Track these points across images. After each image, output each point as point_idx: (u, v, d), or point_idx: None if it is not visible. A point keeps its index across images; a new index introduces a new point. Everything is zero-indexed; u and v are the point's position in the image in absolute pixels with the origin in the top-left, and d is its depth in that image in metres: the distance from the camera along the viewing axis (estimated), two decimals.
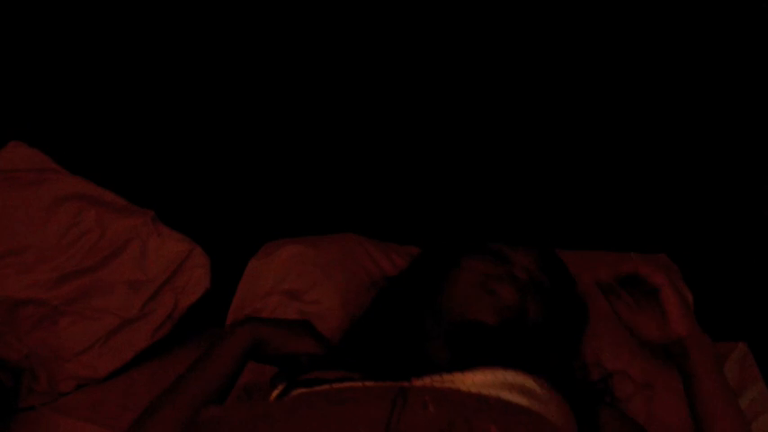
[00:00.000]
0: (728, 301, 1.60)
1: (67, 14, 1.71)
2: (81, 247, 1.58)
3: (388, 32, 1.68)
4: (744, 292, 1.62)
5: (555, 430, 0.99)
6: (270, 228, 1.68)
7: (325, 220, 1.70)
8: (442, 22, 1.66)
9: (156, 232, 1.60)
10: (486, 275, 1.22)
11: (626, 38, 1.61)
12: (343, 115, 1.72)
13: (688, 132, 1.66)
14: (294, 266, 1.54)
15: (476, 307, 1.18)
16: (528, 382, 1.04)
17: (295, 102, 1.73)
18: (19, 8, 1.73)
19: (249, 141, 1.75)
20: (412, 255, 1.52)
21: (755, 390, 1.31)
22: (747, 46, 1.58)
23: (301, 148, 1.75)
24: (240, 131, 1.74)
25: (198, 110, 1.74)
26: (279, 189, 1.76)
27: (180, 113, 1.74)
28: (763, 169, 1.67)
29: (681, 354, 1.15)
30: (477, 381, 1.02)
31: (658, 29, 1.59)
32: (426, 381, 1.03)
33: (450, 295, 1.23)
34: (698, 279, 1.53)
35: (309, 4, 1.66)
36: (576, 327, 1.37)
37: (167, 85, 1.72)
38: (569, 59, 1.64)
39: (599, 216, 1.71)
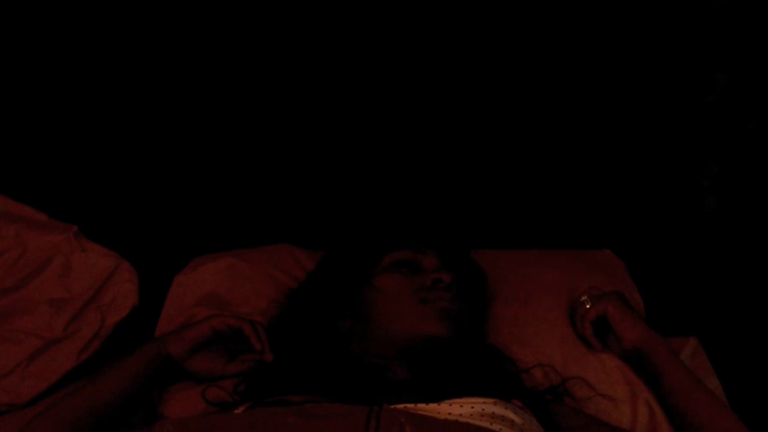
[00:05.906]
0: (675, 296, 1.60)
1: None
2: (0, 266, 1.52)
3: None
4: (690, 287, 1.63)
5: None
6: (199, 240, 1.64)
7: (257, 232, 1.67)
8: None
9: (79, 247, 1.54)
10: (411, 288, 1.21)
11: (558, 42, 1.62)
12: (272, 126, 1.71)
13: (629, 131, 1.67)
14: (223, 279, 1.50)
15: (419, 320, 1.17)
16: (506, 412, 1.01)
17: (224, 113, 1.70)
18: None
19: (174, 153, 1.72)
20: None
21: (710, 384, 1.30)
22: (684, 47, 1.61)
23: (228, 160, 1.73)
24: (165, 142, 1.71)
25: (120, 119, 1.70)
26: (208, 200, 1.73)
27: (101, 122, 1.70)
28: (702, 164, 1.69)
29: (642, 359, 1.28)
30: (454, 412, 0.99)
31: (592, 32, 1.61)
32: (400, 407, 0.99)
33: (382, 315, 1.20)
34: (643, 274, 1.54)
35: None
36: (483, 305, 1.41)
37: (87, 93, 1.68)
38: (505, 62, 1.64)
39: (543, 214, 1.71)
